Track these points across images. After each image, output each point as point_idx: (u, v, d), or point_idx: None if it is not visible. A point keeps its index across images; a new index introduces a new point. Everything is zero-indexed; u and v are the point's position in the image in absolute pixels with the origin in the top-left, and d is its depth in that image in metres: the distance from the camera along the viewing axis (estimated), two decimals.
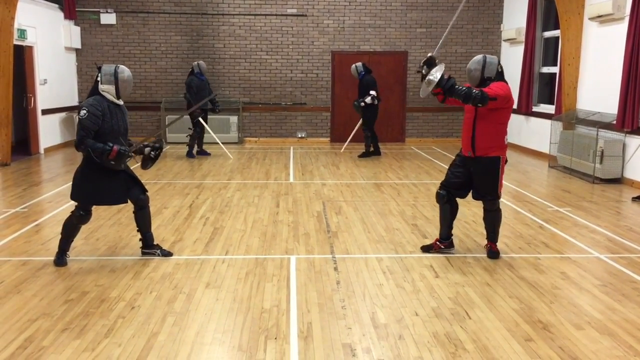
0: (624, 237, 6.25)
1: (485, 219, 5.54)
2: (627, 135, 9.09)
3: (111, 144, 4.95)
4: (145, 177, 9.48)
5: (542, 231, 6.44)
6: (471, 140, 5.30)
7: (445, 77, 4.98)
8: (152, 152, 5.40)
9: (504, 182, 5.49)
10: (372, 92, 11.26)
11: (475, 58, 5.33)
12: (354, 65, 11.71)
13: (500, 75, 5.26)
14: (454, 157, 5.70)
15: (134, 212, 5.44)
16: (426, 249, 5.68)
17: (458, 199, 5.56)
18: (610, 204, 7.77)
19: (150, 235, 5.50)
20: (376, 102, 11.39)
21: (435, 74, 4.99)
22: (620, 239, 6.15)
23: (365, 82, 11.41)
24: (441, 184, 5.60)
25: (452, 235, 5.67)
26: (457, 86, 5.01)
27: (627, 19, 9.09)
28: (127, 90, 5.13)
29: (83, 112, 4.94)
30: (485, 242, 5.65)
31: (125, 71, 5.10)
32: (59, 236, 5.31)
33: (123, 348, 3.70)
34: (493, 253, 5.52)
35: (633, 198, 7.96)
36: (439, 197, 5.54)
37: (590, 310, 4.33)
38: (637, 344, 3.79)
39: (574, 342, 3.83)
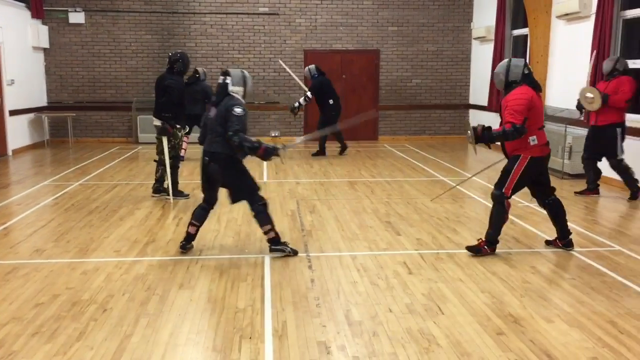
0: (592, 231, 6.37)
1: None
2: None
3: None
4: (117, 177, 9.38)
5: (513, 226, 6.54)
6: (502, 143, 5.48)
7: (479, 129, 5.37)
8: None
9: (514, 184, 5.44)
10: (308, 93, 11.65)
11: (501, 62, 5.47)
12: (307, 67, 11.99)
13: (526, 78, 5.30)
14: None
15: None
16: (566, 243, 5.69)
17: (554, 199, 5.61)
18: (579, 199, 7.92)
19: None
20: (332, 102, 11.70)
21: (469, 135, 5.47)
22: (588, 233, 6.28)
23: (312, 84, 11.71)
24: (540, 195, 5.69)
25: (570, 233, 5.69)
26: (493, 134, 5.31)
27: (593, 17, 9.27)
28: None
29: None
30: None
31: None
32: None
33: (95, 351, 3.66)
34: (470, 246, 5.54)
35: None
36: (542, 206, 5.69)
37: (560, 304, 4.41)
38: (606, 336, 3.88)
39: (545, 335, 3.90)
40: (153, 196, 7.94)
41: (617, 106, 7.57)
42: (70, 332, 3.91)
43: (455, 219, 6.87)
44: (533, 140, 5.31)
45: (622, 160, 7.75)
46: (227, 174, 5.33)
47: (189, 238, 5.58)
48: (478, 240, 5.60)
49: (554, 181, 9.00)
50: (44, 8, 13.32)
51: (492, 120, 13.20)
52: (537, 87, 5.35)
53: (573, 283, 4.84)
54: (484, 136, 5.34)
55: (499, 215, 5.44)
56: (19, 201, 7.79)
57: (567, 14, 9.88)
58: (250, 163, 10.76)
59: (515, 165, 5.35)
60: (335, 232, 6.33)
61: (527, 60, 11.36)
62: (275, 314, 4.21)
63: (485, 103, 13.42)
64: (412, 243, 5.94)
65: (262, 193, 5.49)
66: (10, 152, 11.88)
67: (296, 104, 11.79)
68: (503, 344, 3.77)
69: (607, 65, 7.85)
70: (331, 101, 11.71)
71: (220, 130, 5.24)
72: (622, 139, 7.69)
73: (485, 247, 5.49)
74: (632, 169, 7.77)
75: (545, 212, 5.73)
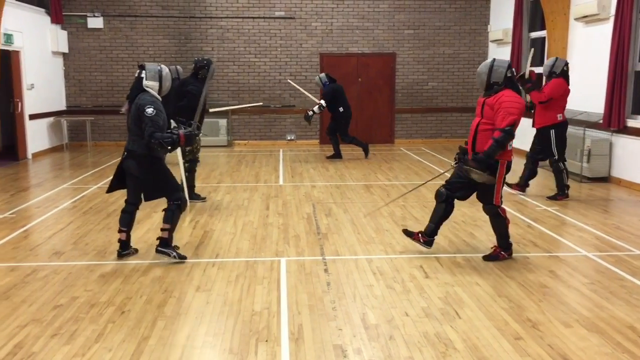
0: (611, 235, 6.30)
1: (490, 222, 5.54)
2: (613, 134, 9.18)
3: None
4: None
5: (531, 230, 6.48)
6: (472, 140, 5.30)
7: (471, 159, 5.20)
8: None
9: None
10: (322, 102, 11.61)
11: (485, 61, 5.38)
12: (317, 76, 12.02)
13: (509, 81, 5.21)
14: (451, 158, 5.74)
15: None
16: (408, 233, 5.66)
17: (457, 201, 5.50)
18: (598, 203, 7.83)
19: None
20: (342, 109, 11.64)
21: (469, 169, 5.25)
22: (608, 237, 6.21)
23: (324, 92, 11.69)
24: (445, 182, 5.55)
25: (436, 234, 5.61)
26: (488, 157, 5.09)
27: (612, 19, 9.17)
28: None
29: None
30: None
31: None
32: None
33: (113, 353, 3.69)
34: (486, 256, 5.48)
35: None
36: (439, 195, 5.48)
37: (578, 308, 4.37)
38: (625, 341, 3.83)
39: (563, 339, 3.86)
40: None
41: (533, 101, 7.80)
42: (89, 334, 3.94)
43: (472, 222, 6.83)
44: (510, 145, 5.27)
45: (556, 160, 7.84)
46: (142, 172, 5.30)
47: (123, 245, 5.53)
48: (492, 247, 5.57)
49: (572, 184, 8.98)
50: (63, 13, 13.50)
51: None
52: (520, 91, 5.33)
53: (592, 287, 4.79)
54: (479, 159, 5.13)
55: (500, 225, 5.40)
56: (39, 204, 7.89)
57: (585, 16, 9.79)
58: (265, 168, 10.86)
59: (497, 175, 5.24)
60: (351, 235, 6.32)
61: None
62: (292, 317, 4.21)
63: None
64: None
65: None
66: (30, 156, 12.03)
67: (310, 112, 11.78)
68: (521, 348, 3.74)
69: (545, 68, 7.98)
70: (341, 109, 11.68)
71: (134, 129, 5.26)
72: (560, 140, 7.79)
73: (502, 252, 5.44)
74: (565, 173, 7.90)
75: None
